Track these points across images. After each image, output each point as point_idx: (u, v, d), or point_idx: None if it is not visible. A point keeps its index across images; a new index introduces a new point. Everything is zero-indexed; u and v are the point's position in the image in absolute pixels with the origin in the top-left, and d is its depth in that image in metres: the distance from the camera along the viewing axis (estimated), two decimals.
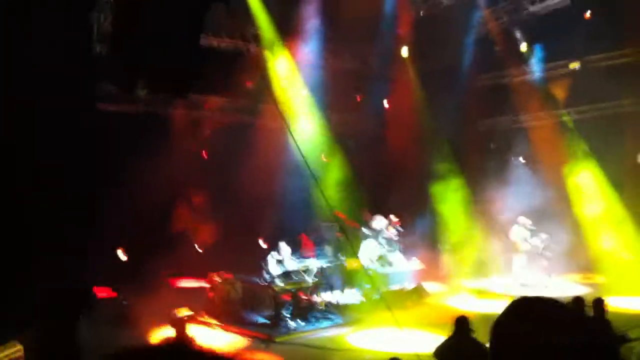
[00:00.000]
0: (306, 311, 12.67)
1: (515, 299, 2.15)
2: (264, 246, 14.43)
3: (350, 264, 14.10)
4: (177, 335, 10.93)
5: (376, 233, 15.39)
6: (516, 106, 19.35)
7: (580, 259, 15.86)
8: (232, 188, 15.53)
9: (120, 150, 14.71)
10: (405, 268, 15.27)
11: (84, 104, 12.93)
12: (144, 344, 1.77)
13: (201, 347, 1.67)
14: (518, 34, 18.63)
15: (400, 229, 15.80)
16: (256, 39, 16.68)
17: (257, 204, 15.40)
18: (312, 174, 14.86)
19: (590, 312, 8.00)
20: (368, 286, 13.81)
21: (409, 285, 14.74)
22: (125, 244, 15.32)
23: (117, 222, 14.07)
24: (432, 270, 16.04)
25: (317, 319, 12.45)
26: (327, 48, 17.66)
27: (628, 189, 16.44)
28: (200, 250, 15.20)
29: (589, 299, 8.25)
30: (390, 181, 17.59)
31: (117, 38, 14.23)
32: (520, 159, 19.07)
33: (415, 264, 15.66)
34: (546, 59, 18.62)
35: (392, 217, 15.97)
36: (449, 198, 17.22)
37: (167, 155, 15.27)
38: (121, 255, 14.67)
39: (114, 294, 13.23)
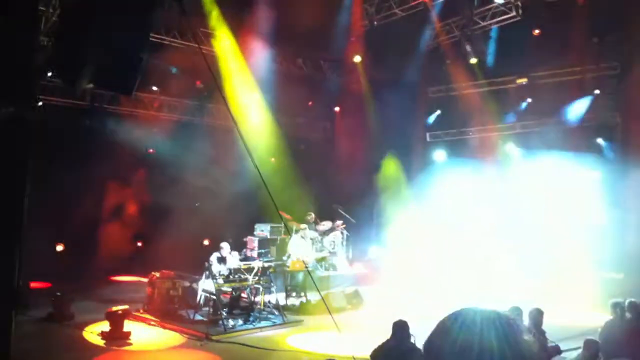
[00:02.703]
0: (246, 311, 12.64)
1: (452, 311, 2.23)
2: (207, 243, 14.36)
3: (292, 265, 14.12)
4: (111, 330, 10.81)
5: (321, 236, 15.48)
6: (464, 118, 19.72)
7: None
8: (177, 187, 15.44)
9: (63, 145, 14.52)
10: (347, 271, 15.37)
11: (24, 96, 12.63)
12: None
13: None
14: (468, 48, 18.99)
15: (344, 232, 15.92)
16: (208, 38, 16.62)
17: (201, 203, 15.34)
18: (260, 175, 14.88)
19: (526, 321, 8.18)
20: (309, 288, 13.87)
21: (350, 289, 14.82)
22: (64, 239, 15.10)
23: (57, 217, 13.88)
24: (374, 273, 16.16)
25: (257, 319, 12.41)
26: (280, 52, 17.73)
27: None
28: (140, 245, 15.03)
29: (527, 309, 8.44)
30: (337, 186, 17.71)
31: (64, 31, 13.99)
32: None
33: (357, 267, 15.78)
34: (495, 74, 19.01)
35: (337, 221, 16.10)
36: (396, 208, 17.42)
37: (111, 151, 15.14)
38: (59, 248, 14.41)
39: (48, 285, 13.00)
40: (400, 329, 7.99)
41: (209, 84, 16.68)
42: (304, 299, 14.23)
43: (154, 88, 16.54)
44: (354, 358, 8.75)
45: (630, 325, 8.85)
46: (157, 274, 12.95)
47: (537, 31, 17.58)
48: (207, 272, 12.72)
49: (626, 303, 9.58)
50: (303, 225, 15.21)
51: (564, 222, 16.03)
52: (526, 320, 8.23)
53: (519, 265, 15.02)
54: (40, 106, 13.20)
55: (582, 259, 15.57)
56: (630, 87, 16.00)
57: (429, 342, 2.30)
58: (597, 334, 8.56)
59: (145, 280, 13.53)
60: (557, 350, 8.13)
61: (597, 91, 17.18)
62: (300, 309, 13.68)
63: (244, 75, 17.10)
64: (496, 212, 16.08)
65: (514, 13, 16.67)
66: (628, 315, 9.18)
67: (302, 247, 14.63)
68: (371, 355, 8.03)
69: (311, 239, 15.17)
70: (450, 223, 16.37)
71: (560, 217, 16.16)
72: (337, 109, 19.75)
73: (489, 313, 2.40)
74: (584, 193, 16.28)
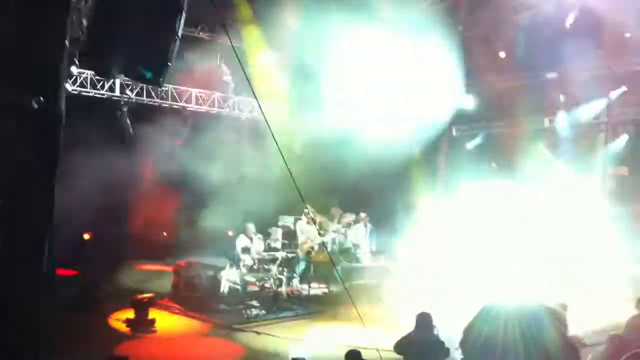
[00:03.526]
0: (270, 301, 12.73)
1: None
2: (231, 234, 14.46)
3: (316, 256, 14.16)
4: (137, 318, 10.96)
5: (345, 228, 15.49)
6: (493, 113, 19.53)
7: None
8: (202, 178, 15.56)
9: (93, 136, 14.71)
10: (371, 264, 15.36)
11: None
12: None
13: None
14: (498, 42, 18.82)
15: (369, 225, 15.90)
16: (237, 31, 16.66)
17: (227, 194, 15.42)
18: (287, 166, 14.92)
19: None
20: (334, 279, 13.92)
21: (374, 281, 14.82)
22: (92, 228, 15.32)
23: (85, 205, 14.08)
24: (398, 266, 16.11)
25: (279, 309, 12.50)
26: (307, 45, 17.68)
27: None
28: (165, 234, 15.19)
29: None
30: (364, 178, 17.65)
31: (96, 23, 14.14)
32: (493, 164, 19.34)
33: (381, 260, 15.75)
34: (525, 68, 18.76)
35: (362, 213, 16.08)
36: (422, 198, 17.34)
37: (139, 142, 15.31)
38: (86, 237, 14.64)
39: (75, 272, 13.20)
40: (424, 321, 8.00)
41: (239, 76, 16.74)
42: (327, 290, 14.28)
43: (183, 80, 16.64)
44: (377, 350, 8.78)
45: None
46: (182, 263, 13.09)
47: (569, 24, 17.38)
48: (232, 262, 12.87)
49: None
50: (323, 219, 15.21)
51: (590, 216, 15.90)
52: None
53: (545, 261, 14.87)
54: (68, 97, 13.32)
55: (612, 253, 15.46)
56: None
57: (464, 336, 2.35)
58: (621, 330, 8.49)
59: (170, 269, 13.67)
60: (582, 344, 8.05)
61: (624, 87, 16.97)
62: (323, 300, 13.71)
63: (273, 67, 17.15)
64: (521, 207, 15.93)
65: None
66: None
67: (307, 232, 14.63)
68: (395, 347, 8.06)
69: (334, 231, 15.15)
70: (475, 218, 16.24)
71: (585, 211, 16.03)
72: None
73: (513, 308, 2.42)
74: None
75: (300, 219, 14.57)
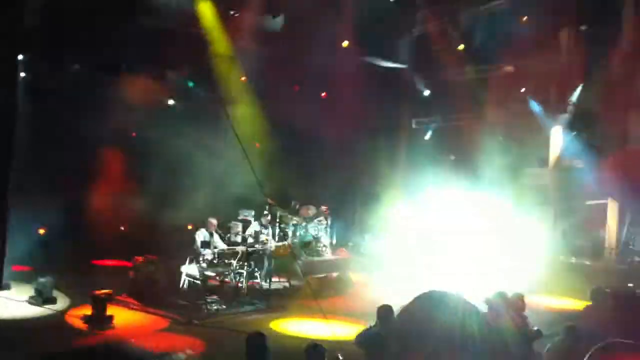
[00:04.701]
0: (230, 295, 12.64)
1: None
2: (190, 228, 14.29)
3: (277, 250, 14.11)
4: (94, 314, 10.75)
5: (306, 221, 15.46)
6: (450, 105, 19.74)
7: None
8: (160, 171, 15.36)
9: (46, 128, 14.40)
10: (331, 257, 15.39)
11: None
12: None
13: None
14: (455, 34, 19.00)
15: (329, 218, 15.91)
16: (195, 20, 16.41)
17: (185, 188, 15.26)
18: (248, 160, 14.78)
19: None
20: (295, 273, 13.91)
21: (334, 274, 14.85)
22: (46, 224, 15.00)
23: (39, 201, 13.79)
24: (359, 259, 16.21)
25: (240, 304, 12.42)
26: (267, 37, 17.58)
27: None
28: (123, 229, 14.94)
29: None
30: (323, 171, 17.68)
31: (49, 12, 13.82)
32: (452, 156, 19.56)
33: (342, 253, 15.80)
34: (482, 61, 19.00)
35: (322, 206, 16.08)
36: (381, 191, 17.45)
37: (94, 134, 15.02)
38: (41, 232, 14.31)
39: (30, 268, 12.92)
40: (385, 313, 8.03)
41: (196, 67, 16.54)
42: (287, 284, 14.26)
43: (140, 70, 16.31)
44: (338, 342, 8.80)
45: (610, 313, 8.96)
46: (141, 258, 12.90)
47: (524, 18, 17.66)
48: (191, 257, 12.74)
49: (607, 290, 9.72)
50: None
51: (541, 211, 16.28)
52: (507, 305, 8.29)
53: (500, 252, 15.12)
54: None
55: (558, 247, 15.88)
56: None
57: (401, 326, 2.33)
58: (575, 320, 8.66)
59: (128, 264, 13.47)
60: (539, 335, 8.19)
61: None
62: (284, 294, 13.69)
63: (231, 59, 16.99)
64: (477, 198, 16.16)
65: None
66: (608, 302, 9.30)
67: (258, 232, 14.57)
68: (355, 340, 8.07)
69: (294, 225, 15.12)
70: (432, 210, 16.43)
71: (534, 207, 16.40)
72: (323, 94, 19.63)
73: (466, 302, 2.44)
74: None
75: (265, 214, 14.47)
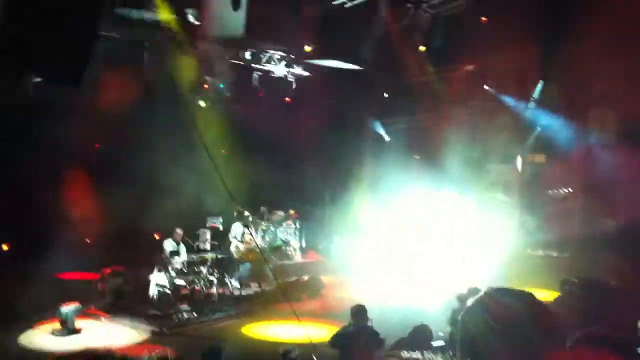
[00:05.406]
0: (201, 303, 12.52)
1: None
2: (157, 238, 14.12)
3: (246, 255, 14.05)
4: (62, 328, 10.56)
5: (274, 226, 15.43)
6: (413, 105, 19.86)
7: None
8: (126, 182, 15.14)
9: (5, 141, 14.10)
10: (302, 260, 15.38)
11: None
12: None
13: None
14: (417, 36, 19.12)
15: (298, 221, 15.89)
16: (160, 28, 16.18)
17: (152, 196, 15.07)
18: (215, 166, 14.62)
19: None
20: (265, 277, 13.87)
21: (305, 277, 14.84)
22: (10, 239, 14.69)
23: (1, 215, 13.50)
24: (329, 261, 16.21)
25: (211, 311, 12.32)
26: (231, 41, 17.45)
27: None
28: (88, 241, 14.68)
29: None
30: (290, 175, 17.63)
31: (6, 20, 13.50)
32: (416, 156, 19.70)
33: (312, 255, 15.80)
34: (444, 61, 19.16)
35: (290, 210, 16.06)
36: (349, 193, 17.49)
37: (55, 147, 14.75)
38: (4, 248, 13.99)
39: None
40: (358, 313, 8.05)
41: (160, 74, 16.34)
42: (258, 289, 14.21)
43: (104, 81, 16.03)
44: (311, 343, 8.78)
45: (579, 303, 9.10)
46: (108, 270, 12.72)
47: (484, 18, 17.88)
48: (160, 266, 12.59)
49: (574, 281, 9.88)
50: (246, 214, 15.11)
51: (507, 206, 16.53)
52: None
53: (468, 249, 15.29)
54: None
55: (525, 240, 16.14)
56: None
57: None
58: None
59: (96, 276, 13.25)
60: None
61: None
62: (255, 299, 13.62)
63: (196, 65, 16.81)
64: (443, 197, 16.35)
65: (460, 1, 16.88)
66: (577, 292, 9.44)
67: (242, 231, 14.55)
68: (330, 341, 8.07)
69: (263, 230, 15.09)
70: (399, 211, 16.55)
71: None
72: (287, 99, 19.59)
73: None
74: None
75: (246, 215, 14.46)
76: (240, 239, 14.07)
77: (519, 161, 18.59)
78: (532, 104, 18.11)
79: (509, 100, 18.47)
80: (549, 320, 2.56)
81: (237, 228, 14.39)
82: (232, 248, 14.31)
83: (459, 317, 2.52)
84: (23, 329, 11.03)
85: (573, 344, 5.78)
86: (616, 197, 15.96)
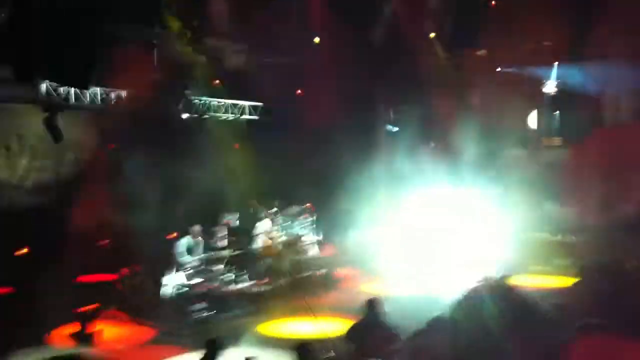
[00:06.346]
0: (217, 301, 12.53)
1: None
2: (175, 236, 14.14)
3: (264, 250, 14.07)
4: (83, 331, 10.66)
5: (291, 220, 15.41)
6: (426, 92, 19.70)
7: None
8: (139, 181, 15.18)
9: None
10: (317, 254, 15.33)
11: None
12: None
13: None
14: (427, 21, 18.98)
15: (313, 214, 15.83)
16: (164, 30, 16.19)
17: (165, 196, 15.10)
18: (227, 163, 14.73)
19: None
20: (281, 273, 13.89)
21: (322, 271, 14.81)
22: (28, 243, 14.79)
23: (18, 219, 13.61)
24: (346, 254, 16.16)
25: (229, 309, 12.34)
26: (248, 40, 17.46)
27: None
28: (105, 244, 14.76)
29: None
30: (304, 168, 17.57)
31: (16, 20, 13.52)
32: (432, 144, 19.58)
33: (327, 249, 15.75)
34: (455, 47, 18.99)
35: (307, 204, 16.01)
36: (365, 185, 17.38)
37: (68, 146, 14.82)
38: (23, 251, 14.09)
39: (11, 289, 12.68)
40: (374, 306, 8.02)
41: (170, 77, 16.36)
42: (275, 285, 14.16)
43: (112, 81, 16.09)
44: (329, 339, 8.78)
45: (597, 287, 8.98)
46: (126, 270, 12.80)
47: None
48: (177, 265, 12.62)
49: (593, 265, 9.75)
50: (272, 210, 15.16)
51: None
52: None
53: (484, 238, 15.21)
54: None
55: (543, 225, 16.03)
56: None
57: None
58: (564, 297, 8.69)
59: (114, 277, 13.32)
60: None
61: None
62: (272, 296, 13.59)
63: (205, 63, 16.82)
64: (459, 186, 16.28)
65: None
66: (595, 276, 9.31)
67: (269, 228, 14.58)
68: (346, 334, 8.06)
69: (280, 224, 15.06)
70: (416, 203, 16.48)
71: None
72: (299, 91, 19.52)
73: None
74: None
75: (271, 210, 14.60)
76: (268, 236, 14.11)
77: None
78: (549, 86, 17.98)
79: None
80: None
81: (264, 225, 14.43)
82: (258, 245, 14.32)
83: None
84: (43, 333, 11.13)
85: (575, 336, 5.71)
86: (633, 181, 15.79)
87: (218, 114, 17.06)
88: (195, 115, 16.28)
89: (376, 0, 18.81)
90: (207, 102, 16.67)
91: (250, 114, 17.86)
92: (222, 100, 17.18)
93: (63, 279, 13.72)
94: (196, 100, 16.34)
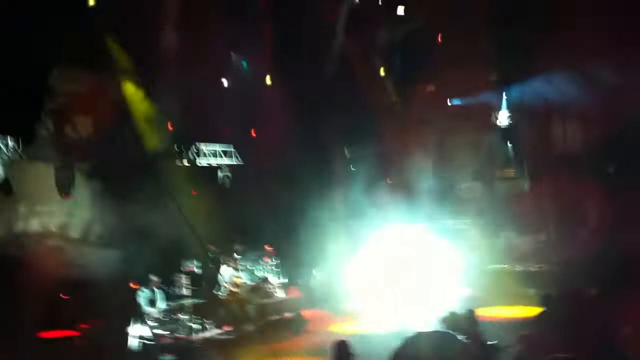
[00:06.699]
0: (185, 352, 12.29)
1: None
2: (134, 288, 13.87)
3: (227, 297, 13.88)
4: None
5: (252, 264, 15.30)
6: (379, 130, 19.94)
7: None
8: (95, 231, 14.92)
9: None
10: (283, 297, 15.22)
11: None
12: None
13: None
14: (376, 60, 19.29)
15: (275, 258, 15.75)
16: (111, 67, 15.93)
17: (124, 245, 14.84)
18: (181, 211, 14.53)
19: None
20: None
21: (289, 314, 14.70)
22: None
23: None
24: (311, 295, 16.09)
25: (196, 358, 12.10)
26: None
27: None
28: (65, 298, 14.36)
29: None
30: (263, 211, 17.51)
31: None
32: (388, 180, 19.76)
33: (292, 291, 15.66)
34: (404, 83, 19.33)
35: (266, 247, 15.94)
36: (324, 224, 17.39)
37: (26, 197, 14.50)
38: None
39: None
40: (340, 348, 7.93)
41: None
42: (244, 331, 13.96)
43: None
44: None
45: (562, 316, 9.11)
46: (88, 325, 12.46)
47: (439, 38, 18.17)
48: (138, 317, 12.35)
49: (555, 295, 9.91)
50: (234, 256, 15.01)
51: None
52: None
53: (444, 271, 15.38)
54: None
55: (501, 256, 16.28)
56: None
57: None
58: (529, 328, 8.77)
59: (76, 333, 12.94)
60: (496, 349, 8.24)
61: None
62: (241, 341, 13.38)
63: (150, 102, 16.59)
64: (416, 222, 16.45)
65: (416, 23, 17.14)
66: (559, 306, 9.45)
67: (231, 274, 14.41)
68: None
69: (240, 269, 14.91)
70: (377, 239, 16.57)
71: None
72: (253, 132, 19.50)
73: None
74: None
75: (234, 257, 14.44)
76: (230, 282, 13.94)
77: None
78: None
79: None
80: None
81: (226, 271, 14.25)
82: (223, 291, 14.13)
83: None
84: None
85: None
86: (587, 208, 16.21)
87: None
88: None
89: (324, 39, 19.02)
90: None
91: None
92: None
93: (23, 335, 13.31)
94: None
